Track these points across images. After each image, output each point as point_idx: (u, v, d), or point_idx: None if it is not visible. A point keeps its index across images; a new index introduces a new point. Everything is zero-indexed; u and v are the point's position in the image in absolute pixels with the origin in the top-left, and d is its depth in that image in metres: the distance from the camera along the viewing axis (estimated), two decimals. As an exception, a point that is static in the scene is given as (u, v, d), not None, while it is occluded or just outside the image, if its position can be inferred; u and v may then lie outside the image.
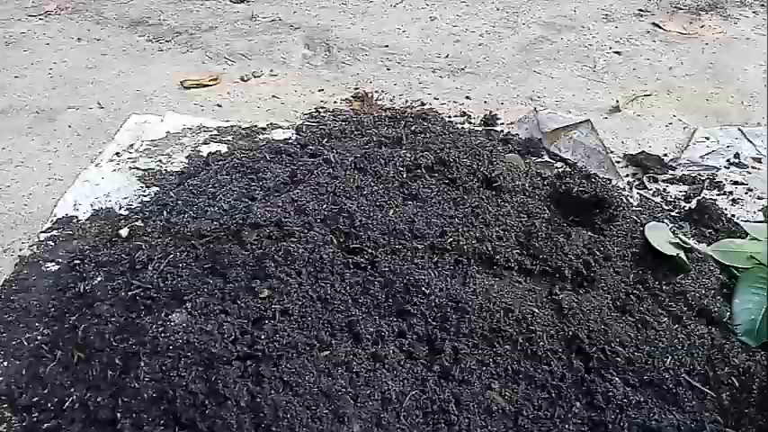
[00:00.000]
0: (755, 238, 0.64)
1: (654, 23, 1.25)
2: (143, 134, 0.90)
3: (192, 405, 0.46)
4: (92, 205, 0.75)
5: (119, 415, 0.48)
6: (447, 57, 1.13)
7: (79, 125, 0.93)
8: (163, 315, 0.52)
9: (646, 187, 0.78)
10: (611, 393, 0.49)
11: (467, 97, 1.00)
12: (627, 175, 0.81)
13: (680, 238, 0.62)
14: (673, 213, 0.72)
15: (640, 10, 1.31)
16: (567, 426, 0.48)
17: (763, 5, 1.33)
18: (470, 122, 0.93)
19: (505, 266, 0.57)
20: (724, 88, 1.03)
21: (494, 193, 0.62)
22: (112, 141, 0.88)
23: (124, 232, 0.67)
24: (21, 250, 0.69)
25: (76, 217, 0.73)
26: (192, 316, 0.51)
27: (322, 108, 0.96)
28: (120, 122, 0.91)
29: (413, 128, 0.72)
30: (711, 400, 0.50)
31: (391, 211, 0.57)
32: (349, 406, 0.46)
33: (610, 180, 0.77)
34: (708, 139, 0.87)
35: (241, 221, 0.58)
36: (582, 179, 0.64)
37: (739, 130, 0.89)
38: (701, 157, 0.83)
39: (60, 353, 0.54)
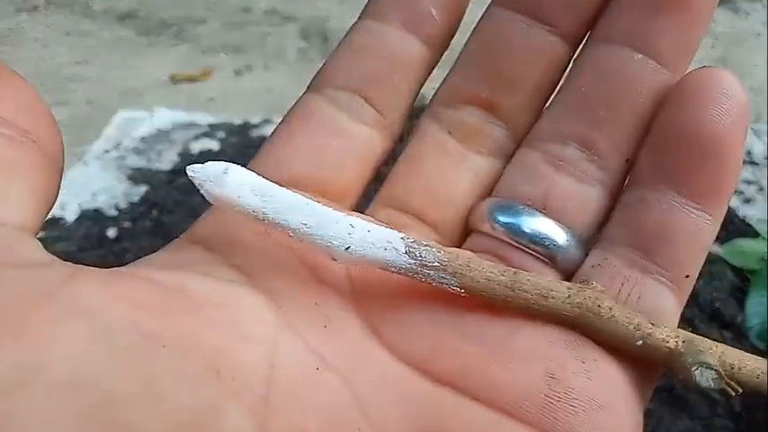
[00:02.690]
0: (767, 239, 0.62)
1: (656, 16, 1.24)
2: (132, 131, 0.88)
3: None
4: (79, 205, 0.73)
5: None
6: (449, 50, 1.11)
7: (67, 122, 0.90)
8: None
9: (653, 185, 0.76)
10: (622, 402, 0.48)
11: (467, 92, 0.98)
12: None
13: (691, 239, 0.60)
14: (681, 212, 0.70)
15: (642, 2, 1.30)
16: None
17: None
18: (471, 118, 0.91)
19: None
20: (734, 82, 1.01)
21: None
22: (100, 138, 0.85)
23: (112, 233, 0.66)
24: (4, 253, 0.67)
25: (64, 218, 0.71)
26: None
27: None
28: (108, 119, 0.89)
29: (413, 122, 0.70)
30: (722, 405, 0.49)
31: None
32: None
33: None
34: (715, 135, 0.85)
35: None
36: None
37: (751, 128, 0.87)
38: (709, 153, 0.82)
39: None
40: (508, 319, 0.14)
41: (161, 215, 0.65)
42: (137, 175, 0.77)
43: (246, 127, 0.86)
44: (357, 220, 0.14)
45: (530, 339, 0.13)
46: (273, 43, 1.13)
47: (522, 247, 0.15)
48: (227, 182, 0.13)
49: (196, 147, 0.81)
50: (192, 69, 1.02)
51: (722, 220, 0.14)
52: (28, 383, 0.09)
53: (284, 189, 0.14)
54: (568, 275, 0.15)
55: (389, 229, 0.14)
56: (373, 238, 0.13)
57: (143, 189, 0.75)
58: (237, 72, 1.02)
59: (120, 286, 0.11)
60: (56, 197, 0.12)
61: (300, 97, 0.16)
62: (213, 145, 0.82)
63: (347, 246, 0.13)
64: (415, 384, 0.13)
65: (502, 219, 0.15)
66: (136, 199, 0.73)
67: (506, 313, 0.14)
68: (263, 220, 0.13)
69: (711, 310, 0.55)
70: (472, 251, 0.15)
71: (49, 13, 1.26)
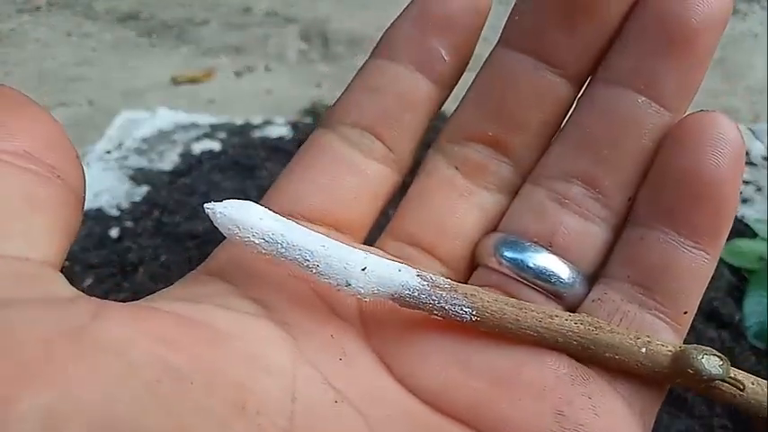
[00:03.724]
0: (766, 239, 0.62)
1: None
2: (133, 131, 0.88)
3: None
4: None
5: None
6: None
7: (69, 123, 0.90)
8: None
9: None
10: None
11: (467, 93, 0.98)
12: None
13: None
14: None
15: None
16: None
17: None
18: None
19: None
20: (733, 85, 1.01)
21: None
22: (102, 139, 0.86)
23: (114, 233, 0.66)
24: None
25: (65, 217, 0.72)
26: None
27: (319, 104, 0.93)
28: (110, 119, 0.89)
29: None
30: (721, 405, 0.49)
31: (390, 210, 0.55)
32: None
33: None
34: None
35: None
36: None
37: (749, 129, 0.87)
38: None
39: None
40: (515, 351, 0.14)
41: (162, 215, 0.65)
42: (138, 176, 0.77)
43: (247, 128, 0.86)
44: (370, 250, 0.14)
45: (537, 374, 0.14)
46: (274, 44, 1.13)
47: (526, 282, 0.15)
48: (248, 207, 0.13)
49: (197, 147, 0.81)
50: (193, 70, 1.02)
51: (719, 257, 0.14)
52: (64, 424, 0.09)
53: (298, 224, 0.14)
54: (573, 310, 0.15)
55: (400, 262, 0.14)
56: (387, 263, 0.14)
57: (145, 189, 0.75)
58: (238, 73, 1.02)
59: (145, 321, 0.11)
60: (77, 231, 0.12)
61: (313, 133, 0.16)
62: (214, 145, 0.82)
63: (363, 266, 0.13)
64: (427, 419, 0.13)
65: (508, 254, 0.15)
66: (138, 199, 0.73)
67: (513, 345, 0.14)
68: (282, 243, 0.13)
69: (709, 309, 0.55)
70: (478, 285, 0.15)
71: (51, 15, 1.26)
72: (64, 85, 1.01)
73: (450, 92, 0.16)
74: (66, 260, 0.54)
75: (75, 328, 0.10)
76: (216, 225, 0.14)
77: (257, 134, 0.84)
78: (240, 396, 0.11)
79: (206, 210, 0.13)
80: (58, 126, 0.12)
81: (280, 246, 0.13)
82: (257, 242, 0.13)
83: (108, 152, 0.82)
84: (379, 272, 0.13)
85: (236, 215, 0.13)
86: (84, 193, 0.13)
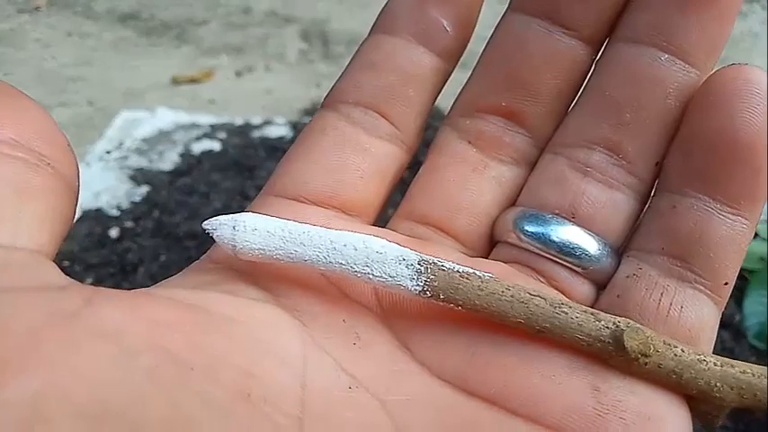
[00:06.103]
0: (766, 239, 0.62)
1: (656, 17, 1.23)
2: (133, 131, 0.88)
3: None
4: (81, 205, 0.73)
5: None
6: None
7: (69, 123, 0.90)
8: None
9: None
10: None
11: (467, 93, 0.98)
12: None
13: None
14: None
15: (642, 3, 1.29)
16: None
17: (767, -2, 1.31)
18: (471, 118, 0.91)
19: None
20: (733, 83, 1.01)
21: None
22: (102, 139, 0.86)
23: (114, 233, 0.66)
24: (6, 253, 0.67)
25: (65, 217, 0.71)
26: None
27: (319, 103, 0.93)
28: (110, 120, 0.89)
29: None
30: None
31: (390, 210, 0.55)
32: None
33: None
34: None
35: (234, 223, 0.56)
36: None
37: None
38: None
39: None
40: None
41: (162, 215, 0.65)
42: (138, 176, 0.77)
43: (247, 128, 0.86)
44: (378, 232, 0.14)
45: (568, 352, 0.13)
46: (274, 44, 1.13)
47: (551, 257, 0.15)
48: (240, 222, 0.13)
49: (197, 147, 0.82)
50: (193, 70, 1.02)
51: (757, 222, 0.14)
52: (52, 412, 0.08)
53: (295, 223, 0.13)
54: (601, 285, 0.15)
55: (403, 248, 0.13)
56: (393, 249, 0.13)
57: (145, 189, 0.75)
58: (238, 73, 1.02)
59: (141, 307, 0.10)
60: (72, 220, 0.12)
61: (315, 115, 0.16)
62: (214, 145, 0.82)
63: (366, 263, 0.12)
64: (453, 401, 0.12)
65: (529, 228, 0.14)
66: (137, 199, 0.73)
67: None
68: (282, 251, 0.12)
69: (710, 309, 0.55)
70: (499, 261, 0.15)
71: (51, 14, 1.26)
72: (64, 85, 1.01)
73: (455, 65, 0.16)
74: (66, 260, 0.54)
75: (67, 315, 0.09)
76: (217, 243, 0.13)
77: (257, 134, 0.84)
78: (245, 383, 0.10)
79: (204, 228, 0.13)
80: (47, 116, 0.12)
81: (281, 253, 0.13)
82: (259, 256, 0.13)
83: (108, 152, 0.82)
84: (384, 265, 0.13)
85: (230, 233, 0.13)
86: (78, 182, 0.12)
